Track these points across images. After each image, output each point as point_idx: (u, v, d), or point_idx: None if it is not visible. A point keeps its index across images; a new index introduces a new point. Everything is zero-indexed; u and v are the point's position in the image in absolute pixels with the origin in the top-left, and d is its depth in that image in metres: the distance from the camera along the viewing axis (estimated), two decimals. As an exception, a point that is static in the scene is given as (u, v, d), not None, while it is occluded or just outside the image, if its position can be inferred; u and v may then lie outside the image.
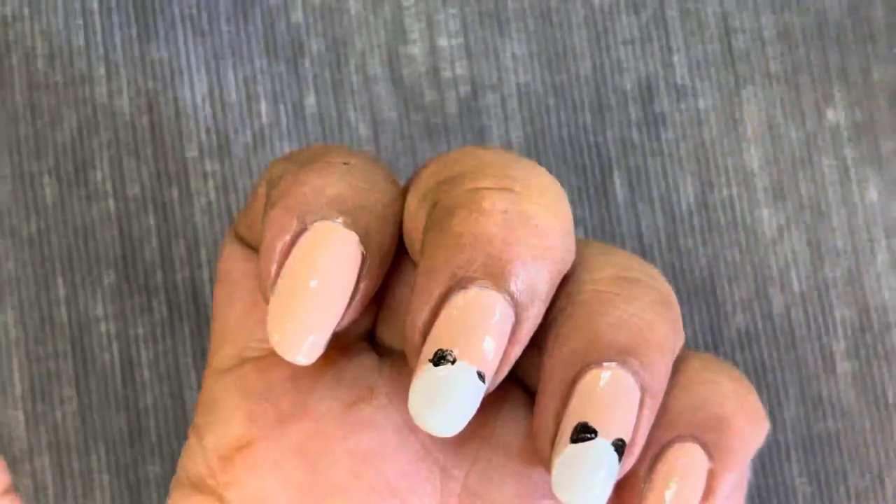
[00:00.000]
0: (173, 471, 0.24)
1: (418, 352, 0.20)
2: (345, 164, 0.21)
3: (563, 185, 0.30)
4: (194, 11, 0.30)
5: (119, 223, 0.30)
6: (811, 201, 0.30)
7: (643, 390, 0.20)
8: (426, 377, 0.20)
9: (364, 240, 0.21)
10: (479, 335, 0.20)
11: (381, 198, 0.21)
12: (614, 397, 0.20)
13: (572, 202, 0.30)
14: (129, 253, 0.30)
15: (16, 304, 0.29)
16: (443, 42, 0.30)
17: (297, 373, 0.22)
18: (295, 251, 0.20)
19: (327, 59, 0.30)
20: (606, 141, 0.30)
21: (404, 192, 0.22)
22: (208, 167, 0.30)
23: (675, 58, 0.30)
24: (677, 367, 0.22)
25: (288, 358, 0.20)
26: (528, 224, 0.20)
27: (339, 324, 0.21)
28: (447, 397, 0.19)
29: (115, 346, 0.29)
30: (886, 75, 0.30)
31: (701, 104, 0.30)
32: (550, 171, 0.30)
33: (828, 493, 0.29)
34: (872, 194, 0.30)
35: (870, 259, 0.30)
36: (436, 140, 0.30)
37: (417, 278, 0.20)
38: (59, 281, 0.30)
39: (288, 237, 0.20)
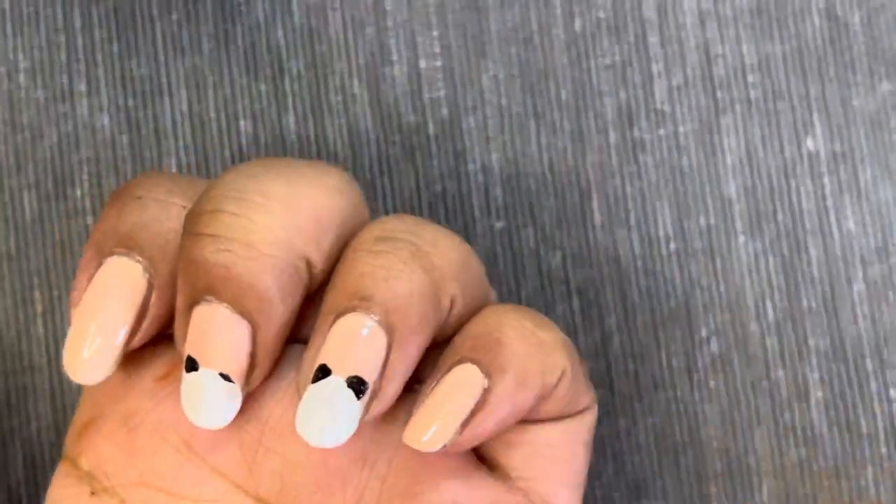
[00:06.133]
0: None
1: (182, 360, 0.23)
2: (138, 198, 0.23)
3: (542, 209, 0.30)
4: (176, 29, 0.30)
5: (98, 238, 0.30)
6: (788, 230, 0.30)
7: (390, 333, 0.22)
8: (185, 383, 0.23)
9: (151, 267, 0.23)
10: (212, 344, 0.22)
11: (172, 226, 0.23)
12: (350, 339, 0.22)
13: (551, 226, 0.30)
14: (108, 268, 0.30)
15: (-7, 318, 0.30)
16: (424, 64, 0.30)
17: (127, 357, 0.24)
18: (89, 285, 0.23)
19: (308, 80, 0.30)
20: (585, 165, 0.30)
21: None
22: (188, 184, 0.30)
23: (656, 84, 0.30)
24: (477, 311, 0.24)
25: (75, 379, 0.23)
26: (239, 241, 0.22)
27: (133, 341, 0.23)
28: (199, 399, 0.23)
29: (91, 361, 0.29)
30: (866, 104, 0.30)
31: (680, 130, 0.30)
32: (530, 196, 0.30)
33: (798, 521, 0.29)
34: (850, 224, 0.30)
35: (846, 289, 0.30)
36: (415, 162, 0.30)
37: None
38: (37, 295, 0.30)
39: (90, 272, 0.23)
